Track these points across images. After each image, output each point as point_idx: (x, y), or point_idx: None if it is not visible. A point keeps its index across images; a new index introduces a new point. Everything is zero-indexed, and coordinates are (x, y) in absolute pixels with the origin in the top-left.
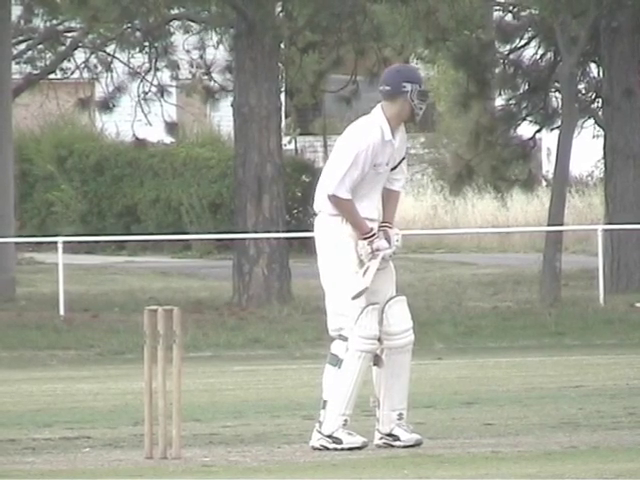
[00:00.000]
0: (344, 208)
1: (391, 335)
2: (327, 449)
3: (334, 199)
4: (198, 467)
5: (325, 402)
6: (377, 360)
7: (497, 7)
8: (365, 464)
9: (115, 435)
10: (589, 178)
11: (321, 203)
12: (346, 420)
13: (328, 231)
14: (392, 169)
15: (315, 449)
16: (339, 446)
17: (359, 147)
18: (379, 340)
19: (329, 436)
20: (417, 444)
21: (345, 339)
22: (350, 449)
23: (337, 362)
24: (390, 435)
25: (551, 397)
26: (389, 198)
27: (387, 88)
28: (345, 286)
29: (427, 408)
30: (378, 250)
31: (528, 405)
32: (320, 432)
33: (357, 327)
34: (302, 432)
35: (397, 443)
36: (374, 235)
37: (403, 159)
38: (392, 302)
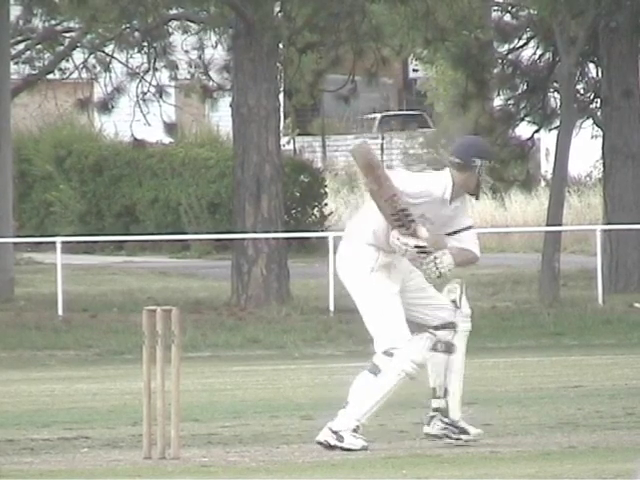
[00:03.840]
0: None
1: (467, 317)
2: (329, 445)
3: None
4: (197, 467)
5: (347, 404)
6: (451, 348)
7: (496, 7)
8: (364, 464)
9: (114, 435)
10: (588, 178)
11: (358, 232)
12: (358, 427)
13: (362, 260)
14: (449, 234)
15: (318, 443)
16: (339, 444)
17: (422, 190)
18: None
19: (335, 432)
20: (478, 438)
21: (390, 355)
22: (348, 449)
23: (376, 371)
24: (455, 426)
25: (550, 397)
26: (468, 252)
27: (457, 160)
28: (384, 309)
29: (426, 408)
30: (406, 244)
31: (527, 405)
32: (330, 427)
33: (410, 349)
34: (301, 432)
35: (464, 436)
36: (407, 222)
37: (468, 228)
38: (461, 287)
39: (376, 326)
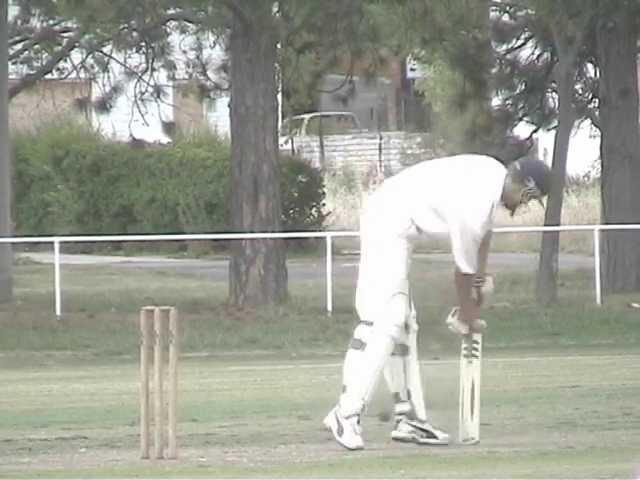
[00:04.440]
0: (467, 282)
1: (414, 317)
2: (331, 431)
3: (462, 273)
4: (194, 467)
5: (345, 387)
6: (406, 350)
7: (494, 7)
8: (362, 464)
9: (111, 435)
10: (586, 178)
11: (396, 224)
12: (364, 406)
13: (394, 222)
14: None
15: (325, 428)
16: (338, 437)
17: (486, 220)
18: (406, 327)
19: (338, 422)
20: (447, 443)
21: (370, 324)
22: (343, 445)
23: (361, 346)
24: (422, 428)
25: (547, 397)
26: (482, 246)
27: (517, 168)
28: (387, 279)
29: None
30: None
31: (525, 405)
32: (336, 414)
33: (387, 312)
34: (298, 432)
35: (432, 440)
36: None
37: None
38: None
39: (376, 293)
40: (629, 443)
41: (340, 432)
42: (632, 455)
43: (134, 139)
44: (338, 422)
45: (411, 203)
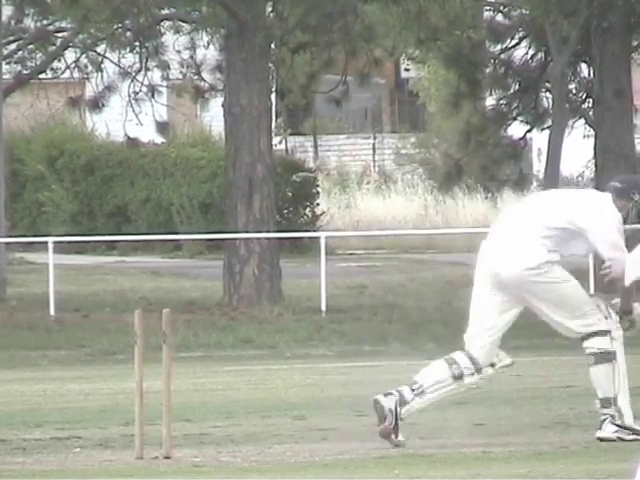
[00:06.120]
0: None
1: (501, 367)
2: (623, 440)
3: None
4: (189, 467)
5: (608, 399)
6: (461, 376)
7: (488, 7)
8: (356, 464)
9: (106, 435)
10: (580, 178)
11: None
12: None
13: (554, 270)
14: None
15: (604, 440)
16: (626, 437)
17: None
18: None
19: (627, 428)
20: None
21: (605, 333)
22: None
23: (611, 355)
24: (396, 423)
25: (542, 397)
26: None
27: (618, 186)
28: (582, 295)
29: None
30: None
31: (519, 405)
32: (617, 424)
33: (610, 320)
34: (293, 432)
35: (394, 441)
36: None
37: None
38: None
39: (580, 309)
40: (623, 443)
41: (637, 432)
42: (627, 455)
43: (129, 138)
44: (629, 428)
45: (546, 234)
